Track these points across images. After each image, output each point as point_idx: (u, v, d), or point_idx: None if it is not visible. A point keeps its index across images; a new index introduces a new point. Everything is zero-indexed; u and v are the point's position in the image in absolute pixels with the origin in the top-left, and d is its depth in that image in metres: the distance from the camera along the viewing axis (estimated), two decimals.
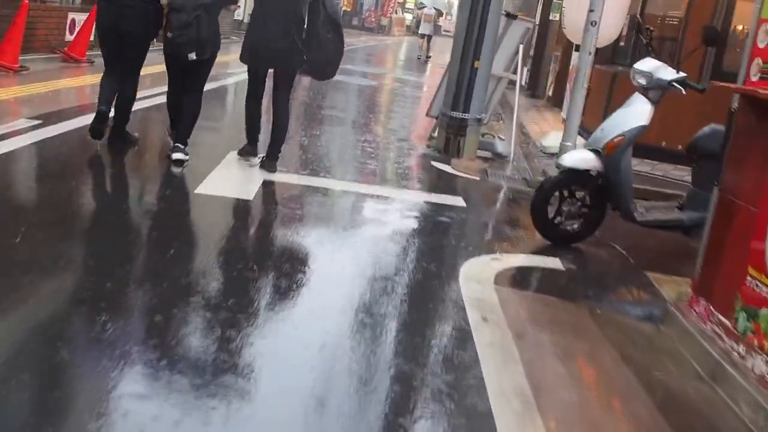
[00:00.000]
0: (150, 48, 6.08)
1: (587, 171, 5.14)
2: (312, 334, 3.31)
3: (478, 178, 7.26)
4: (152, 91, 8.08)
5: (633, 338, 3.95)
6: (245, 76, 6.30)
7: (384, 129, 9.94)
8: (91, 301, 3.26)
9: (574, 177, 5.18)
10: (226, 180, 5.72)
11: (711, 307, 3.90)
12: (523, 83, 13.42)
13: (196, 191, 5.26)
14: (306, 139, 7.97)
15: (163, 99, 6.42)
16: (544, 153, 8.76)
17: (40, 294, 3.25)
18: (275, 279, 3.96)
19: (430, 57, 25.74)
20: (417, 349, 3.31)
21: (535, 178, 7.31)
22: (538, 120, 11.97)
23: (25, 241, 3.82)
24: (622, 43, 9.92)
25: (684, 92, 5.03)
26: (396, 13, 51.58)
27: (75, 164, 5.74)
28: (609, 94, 9.02)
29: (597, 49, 7.22)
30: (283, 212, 5.37)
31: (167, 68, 6.08)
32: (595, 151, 5.13)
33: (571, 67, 11.05)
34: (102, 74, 6.01)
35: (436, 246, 5.05)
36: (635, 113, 5.08)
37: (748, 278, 3.56)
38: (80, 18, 11.44)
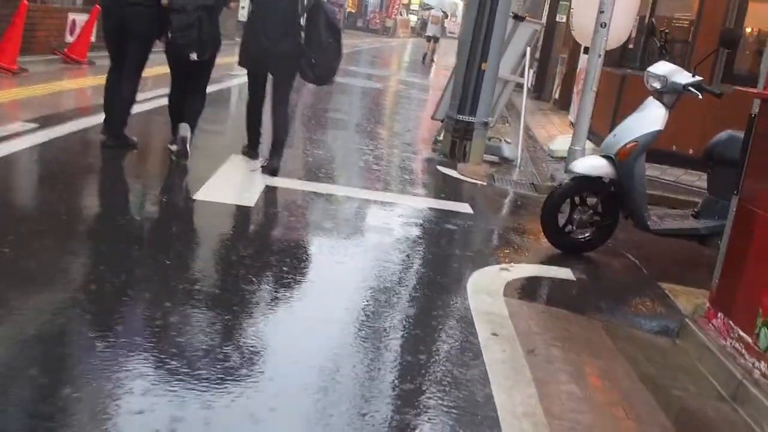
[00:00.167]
0: (152, 49, 6.04)
1: (599, 178, 4.97)
2: (311, 351, 3.13)
3: (485, 183, 7.10)
4: (154, 93, 7.95)
5: (648, 354, 3.78)
6: (246, 79, 6.23)
7: (388, 132, 9.80)
8: (79, 314, 3.12)
9: (585, 184, 5.02)
10: (227, 185, 5.58)
11: (730, 322, 3.74)
12: (529, 86, 13.26)
13: (195, 197, 5.12)
14: (309, 143, 7.85)
15: (164, 101, 6.31)
16: (552, 157, 8.61)
17: (27, 304, 3.11)
18: (274, 291, 3.80)
19: (433, 60, 25.58)
20: (422, 367, 3.14)
21: (543, 184, 7.15)
22: (544, 123, 11.81)
23: (14, 248, 3.69)
24: (630, 46, 9.75)
25: (701, 97, 4.86)
26: (401, 15, 51.46)
27: (71, 169, 5.59)
28: (618, 98, 8.87)
29: (605, 51, 7.07)
30: (285, 220, 5.21)
31: (170, 69, 6.07)
32: (607, 157, 4.96)
33: (578, 69, 10.89)
34: (107, 76, 5.99)
35: (443, 255, 4.89)
36: (649, 118, 4.91)
37: None
38: (81, 19, 11.31)
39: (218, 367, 2.83)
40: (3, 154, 5.37)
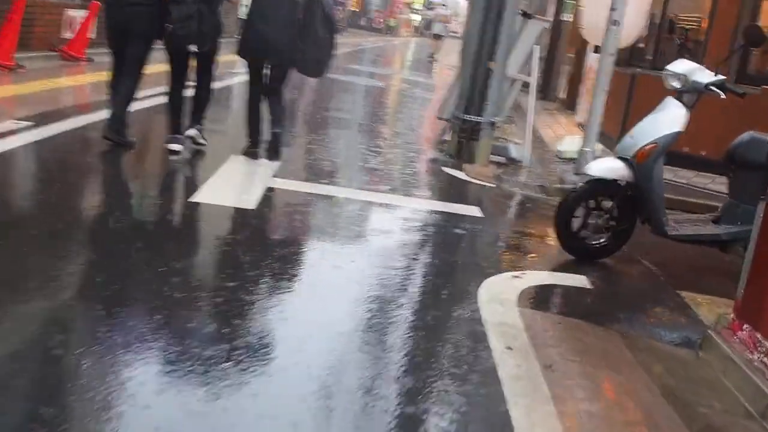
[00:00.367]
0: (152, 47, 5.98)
1: (615, 181, 4.76)
2: (310, 368, 2.89)
3: (493, 185, 6.89)
4: (153, 90, 7.76)
5: (670, 367, 3.57)
6: (246, 72, 6.20)
7: (392, 132, 9.62)
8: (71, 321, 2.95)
9: (600, 187, 4.80)
10: (227, 187, 5.39)
11: (757, 335, 3.53)
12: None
13: (193, 199, 4.92)
14: (311, 143, 7.68)
15: (163, 99, 6.15)
16: (560, 158, 8.40)
17: (18, 306, 2.98)
18: (273, 299, 3.59)
19: (436, 59, 25.40)
20: (433, 384, 2.92)
21: (552, 185, 6.95)
22: (551, 123, 11.61)
23: (8, 250, 3.54)
24: (641, 44, 9.55)
25: (723, 96, 4.64)
26: (403, 14, 51.37)
27: (66, 168, 5.40)
28: (628, 97, 8.66)
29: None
30: (286, 223, 5.01)
31: (170, 63, 6.02)
32: (623, 159, 4.75)
33: (587, 68, 10.70)
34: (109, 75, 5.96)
35: (452, 261, 4.69)
36: (668, 119, 4.69)
37: None
38: (79, 15, 11.13)
39: (217, 370, 2.69)
40: None
